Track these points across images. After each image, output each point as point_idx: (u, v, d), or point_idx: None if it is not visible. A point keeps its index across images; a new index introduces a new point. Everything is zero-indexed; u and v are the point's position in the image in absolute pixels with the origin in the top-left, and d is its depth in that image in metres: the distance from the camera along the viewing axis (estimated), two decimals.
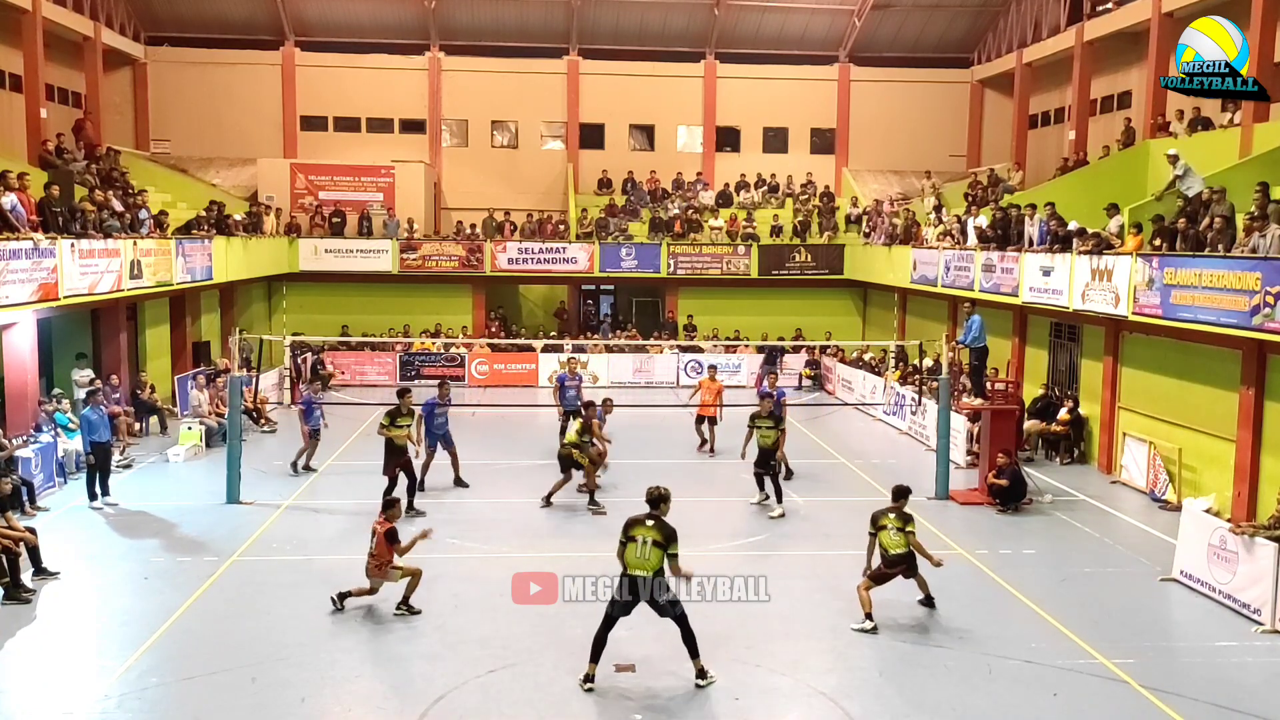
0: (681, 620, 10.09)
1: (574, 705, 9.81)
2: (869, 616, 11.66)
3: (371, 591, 12.07)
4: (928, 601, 12.20)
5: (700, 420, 21.00)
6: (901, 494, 12.22)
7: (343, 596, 12.08)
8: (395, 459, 15.99)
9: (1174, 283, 15.82)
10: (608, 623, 10.12)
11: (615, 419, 19.24)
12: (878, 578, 11.92)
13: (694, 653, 10.14)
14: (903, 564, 11.88)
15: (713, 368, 22.20)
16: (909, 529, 11.89)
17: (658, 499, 10.22)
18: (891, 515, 11.95)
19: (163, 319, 25.52)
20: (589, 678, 10.09)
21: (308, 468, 18.93)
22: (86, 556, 13.92)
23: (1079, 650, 11.17)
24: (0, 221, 16.40)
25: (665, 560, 9.97)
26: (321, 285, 31.11)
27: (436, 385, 18.27)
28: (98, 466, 16.28)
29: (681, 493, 17.01)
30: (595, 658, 10.12)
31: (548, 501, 16.65)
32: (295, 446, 19.15)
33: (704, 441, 20.90)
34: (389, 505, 12.28)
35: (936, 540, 15.18)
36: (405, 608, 11.94)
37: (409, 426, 16.23)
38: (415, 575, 12.05)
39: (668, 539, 9.98)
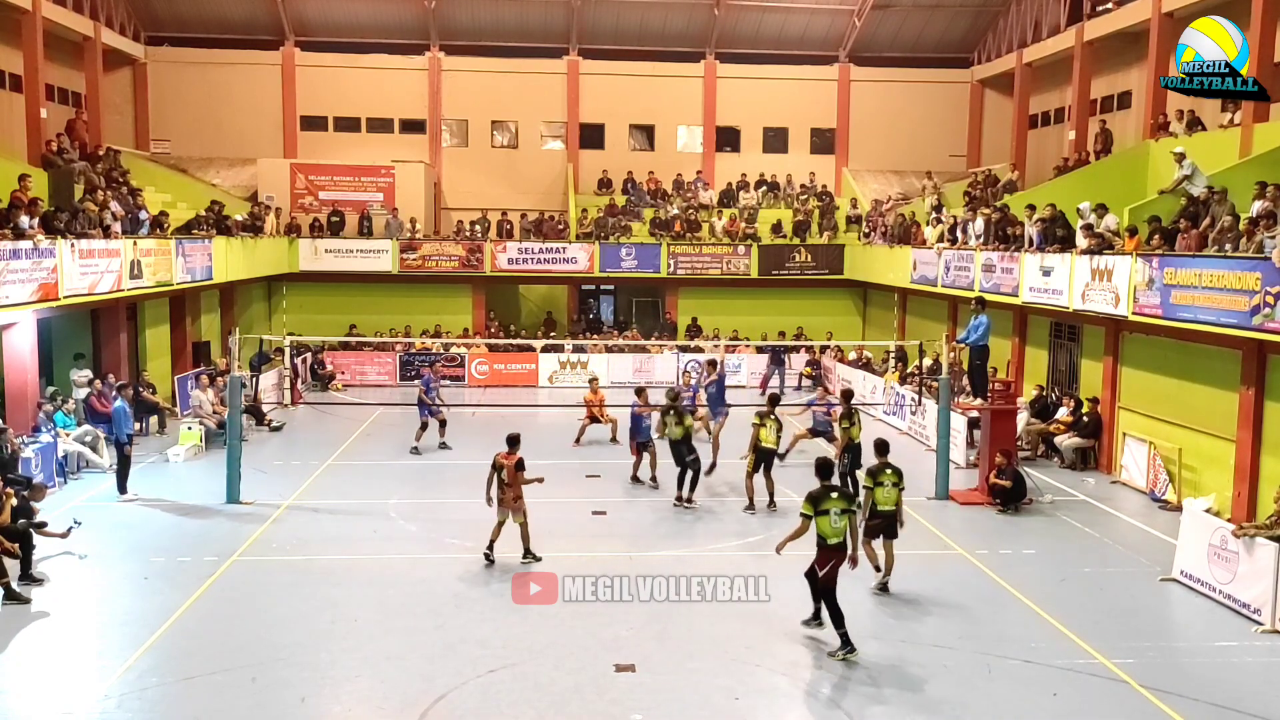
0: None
1: (574, 705, 9.80)
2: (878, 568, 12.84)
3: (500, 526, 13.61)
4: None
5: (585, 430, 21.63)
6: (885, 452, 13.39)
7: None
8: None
9: (1174, 283, 15.82)
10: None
11: (616, 419, 19.19)
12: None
13: (837, 622, 10.99)
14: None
15: (594, 379, 23.32)
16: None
17: (830, 469, 11.43)
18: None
19: (163, 319, 25.49)
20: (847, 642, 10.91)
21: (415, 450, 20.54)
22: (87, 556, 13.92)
23: (1079, 650, 11.17)
24: (7, 223, 16.44)
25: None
26: (321, 285, 31.10)
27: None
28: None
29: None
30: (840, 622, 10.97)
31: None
32: (296, 447, 19.12)
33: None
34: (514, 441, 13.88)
35: (936, 540, 15.21)
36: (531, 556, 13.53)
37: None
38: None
39: (850, 500, 11.22)
